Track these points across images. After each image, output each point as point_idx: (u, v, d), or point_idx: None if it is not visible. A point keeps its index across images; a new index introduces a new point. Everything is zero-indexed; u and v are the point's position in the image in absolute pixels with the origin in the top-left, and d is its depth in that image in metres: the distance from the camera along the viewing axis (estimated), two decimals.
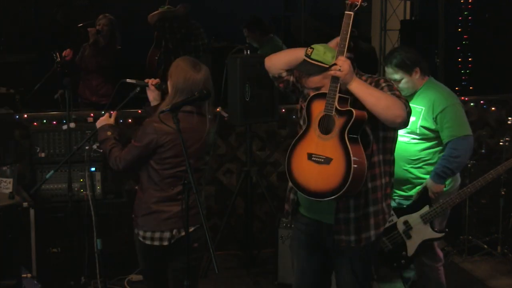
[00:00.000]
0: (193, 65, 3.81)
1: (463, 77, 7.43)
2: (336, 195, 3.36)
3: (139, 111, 5.91)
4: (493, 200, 6.10)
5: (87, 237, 4.71)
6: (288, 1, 10.41)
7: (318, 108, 3.46)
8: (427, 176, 4.40)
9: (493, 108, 6.53)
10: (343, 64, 3.32)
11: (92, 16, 7.14)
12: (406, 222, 4.39)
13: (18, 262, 4.56)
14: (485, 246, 6.03)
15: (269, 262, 5.76)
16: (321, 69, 3.42)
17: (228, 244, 6.11)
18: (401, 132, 3.92)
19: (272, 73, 3.74)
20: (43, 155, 5.33)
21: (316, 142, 3.45)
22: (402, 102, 3.38)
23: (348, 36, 3.37)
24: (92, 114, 5.80)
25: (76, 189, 5.25)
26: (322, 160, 3.42)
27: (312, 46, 3.47)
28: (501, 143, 5.93)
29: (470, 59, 7.60)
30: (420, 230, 4.38)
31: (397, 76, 4.35)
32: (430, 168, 4.40)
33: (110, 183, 5.67)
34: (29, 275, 4.68)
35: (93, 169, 4.36)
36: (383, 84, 3.48)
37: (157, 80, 4.01)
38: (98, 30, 6.75)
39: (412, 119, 4.23)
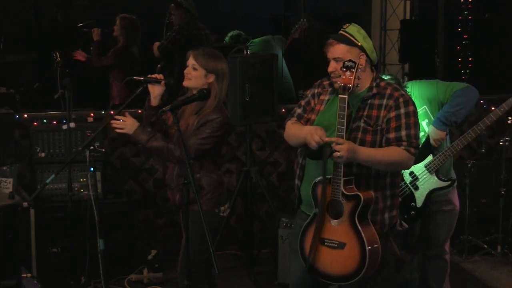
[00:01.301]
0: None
1: (463, 77, 7.43)
2: (355, 279, 3.46)
3: (139, 111, 5.91)
4: (493, 200, 6.11)
5: (87, 237, 4.71)
6: (288, 1, 10.40)
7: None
8: None
9: (493, 108, 6.47)
10: (341, 149, 3.34)
11: (92, 16, 7.14)
12: (411, 173, 4.42)
13: (18, 262, 4.56)
14: (485, 246, 6.03)
15: (269, 262, 5.76)
16: (351, 43, 3.62)
17: (228, 244, 6.11)
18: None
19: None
20: (43, 155, 5.34)
21: (327, 227, 3.53)
22: (410, 152, 3.50)
23: (346, 119, 3.39)
24: (92, 114, 5.81)
25: (76, 189, 5.26)
26: (336, 245, 3.50)
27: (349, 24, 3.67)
28: (501, 143, 5.93)
29: (470, 59, 7.59)
30: (426, 180, 4.40)
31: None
32: None
33: (110, 183, 5.67)
34: (29, 275, 4.68)
35: (92, 169, 4.36)
36: (402, 107, 3.54)
37: (160, 75, 4.11)
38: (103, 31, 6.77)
39: (423, 123, 4.37)
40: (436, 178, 4.39)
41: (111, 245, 5.05)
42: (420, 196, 4.42)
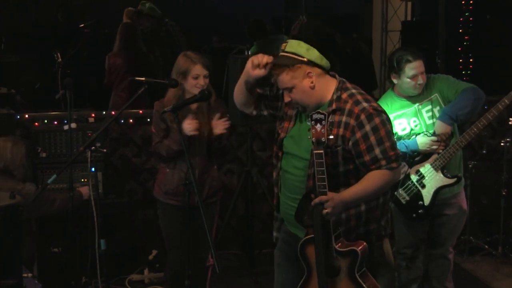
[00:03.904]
0: None
1: (464, 78, 7.42)
2: None
3: (141, 112, 5.93)
4: (494, 200, 6.11)
5: (88, 237, 4.71)
6: (289, 2, 10.41)
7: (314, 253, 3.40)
8: None
9: None
10: (328, 206, 3.26)
11: (92, 16, 7.15)
12: (418, 171, 4.42)
13: (19, 261, 4.56)
14: (486, 247, 6.03)
15: (270, 262, 5.74)
16: (295, 62, 3.37)
17: (229, 244, 6.11)
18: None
19: (247, 112, 3.74)
20: (44, 155, 5.33)
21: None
22: (393, 168, 3.34)
23: (325, 175, 3.27)
24: (93, 114, 5.81)
25: (77, 189, 5.25)
26: None
27: (287, 40, 3.47)
28: (502, 144, 5.93)
29: (471, 59, 7.60)
30: (433, 178, 4.39)
31: (423, 67, 4.35)
32: None
33: (111, 183, 5.67)
34: (30, 274, 4.67)
35: (93, 169, 4.36)
36: (366, 124, 3.34)
37: None
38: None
39: (435, 110, 4.36)
40: (442, 175, 4.38)
41: (112, 245, 5.04)
42: (427, 194, 4.40)
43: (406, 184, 4.44)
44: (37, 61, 8.02)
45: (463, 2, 7.76)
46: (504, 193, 5.90)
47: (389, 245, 3.82)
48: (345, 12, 10.42)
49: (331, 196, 3.27)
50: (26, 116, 5.76)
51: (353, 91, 3.45)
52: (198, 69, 4.31)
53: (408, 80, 4.34)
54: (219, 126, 4.38)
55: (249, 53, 5.97)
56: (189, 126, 4.24)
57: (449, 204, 4.48)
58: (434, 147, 4.35)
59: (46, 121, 5.71)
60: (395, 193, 4.41)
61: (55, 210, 4.81)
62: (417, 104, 4.41)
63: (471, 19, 7.68)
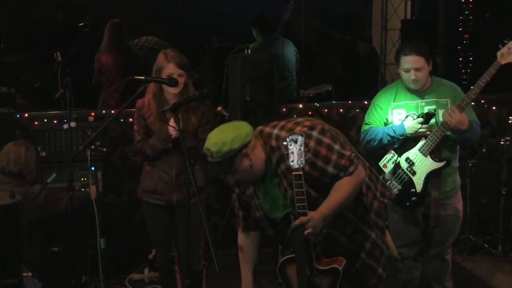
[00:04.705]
0: None
1: (464, 77, 7.42)
2: None
3: None
4: (493, 199, 6.10)
5: (88, 236, 4.71)
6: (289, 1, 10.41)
7: (295, 273, 3.37)
8: None
9: (494, 108, 6.53)
10: (309, 226, 3.27)
11: (92, 16, 7.14)
12: (407, 159, 4.42)
13: (19, 261, 4.56)
14: (486, 246, 6.03)
15: (270, 261, 5.75)
16: (231, 162, 3.33)
17: (228, 243, 6.09)
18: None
19: None
20: (44, 154, 5.34)
21: None
22: (352, 172, 3.37)
23: (305, 195, 3.28)
24: (92, 113, 5.81)
25: (77, 188, 5.25)
26: None
27: (207, 148, 3.35)
28: (502, 143, 5.93)
29: (470, 58, 7.58)
30: (422, 164, 4.39)
31: (420, 64, 4.34)
32: None
33: (111, 182, 5.67)
34: (30, 274, 4.67)
35: (93, 168, 4.37)
36: (313, 146, 3.36)
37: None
38: None
39: (441, 111, 4.35)
40: (431, 159, 4.37)
41: (112, 244, 5.04)
42: (418, 181, 4.40)
43: (397, 173, 4.44)
44: (37, 61, 8.02)
45: (462, 0, 7.75)
46: (504, 192, 5.90)
47: (390, 237, 3.83)
48: (345, 11, 10.41)
49: (311, 215, 3.29)
50: (26, 115, 5.76)
51: (275, 131, 3.45)
52: (171, 68, 4.30)
53: (403, 72, 4.36)
54: (170, 131, 4.29)
55: (249, 51, 5.95)
56: (171, 128, 4.24)
57: (442, 205, 4.47)
58: (422, 130, 4.35)
59: (45, 120, 5.72)
60: (388, 183, 4.41)
61: (61, 209, 4.82)
62: (420, 101, 4.41)
63: (471, 17, 7.67)
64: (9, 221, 4.50)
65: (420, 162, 4.39)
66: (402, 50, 4.39)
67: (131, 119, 5.89)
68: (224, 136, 3.30)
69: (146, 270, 5.59)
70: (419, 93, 4.43)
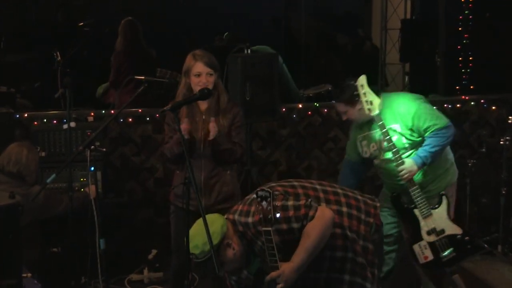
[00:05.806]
0: None
1: (464, 76, 7.42)
2: None
3: (140, 110, 5.92)
4: (493, 199, 6.10)
5: (88, 236, 4.71)
6: (289, 1, 10.42)
7: None
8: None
9: (493, 107, 6.53)
10: (281, 280, 3.33)
11: (92, 15, 7.14)
12: (428, 232, 4.41)
13: (19, 261, 4.55)
14: (486, 246, 6.02)
15: None
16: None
17: None
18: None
19: None
20: (43, 154, 5.33)
21: None
22: (314, 217, 3.40)
23: (275, 250, 3.33)
24: (92, 113, 5.81)
25: (76, 188, 5.25)
26: None
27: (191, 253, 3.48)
28: (501, 142, 5.92)
29: (470, 58, 7.58)
30: (437, 221, 4.40)
31: (343, 109, 4.40)
32: None
33: (111, 182, 5.67)
34: (29, 274, 4.67)
35: (92, 168, 4.36)
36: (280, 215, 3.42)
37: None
38: None
39: (394, 138, 4.27)
40: (436, 210, 4.38)
41: (112, 244, 5.03)
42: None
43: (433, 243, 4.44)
44: (37, 61, 8.02)
45: (462, 0, 7.76)
46: (503, 192, 5.89)
47: None
48: (345, 10, 10.41)
49: (282, 269, 3.34)
50: (25, 115, 5.76)
51: (241, 219, 3.55)
52: (199, 67, 4.29)
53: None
54: (211, 130, 4.26)
55: (249, 51, 5.95)
56: (182, 128, 4.17)
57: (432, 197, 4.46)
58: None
59: (45, 120, 5.72)
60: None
61: (61, 211, 4.83)
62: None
63: (470, 17, 7.67)
64: (9, 222, 4.50)
65: (436, 222, 4.39)
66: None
67: (131, 119, 5.90)
68: (201, 237, 3.39)
69: (145, 271, 5.59)
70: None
